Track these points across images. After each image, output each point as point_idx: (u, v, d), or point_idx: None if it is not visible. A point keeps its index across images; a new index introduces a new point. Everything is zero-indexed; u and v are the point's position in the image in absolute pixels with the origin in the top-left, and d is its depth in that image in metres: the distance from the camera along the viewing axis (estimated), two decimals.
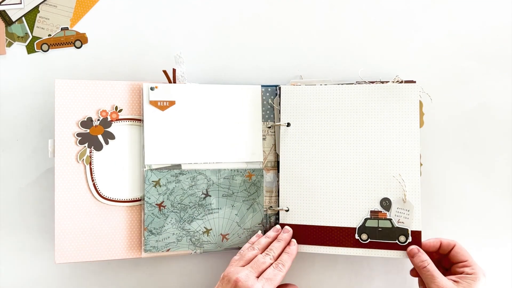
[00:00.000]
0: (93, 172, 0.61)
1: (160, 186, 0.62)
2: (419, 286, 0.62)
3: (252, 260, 0.57)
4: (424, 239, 0.62)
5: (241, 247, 0.61)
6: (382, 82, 0.63)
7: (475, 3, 0.67)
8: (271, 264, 0.57)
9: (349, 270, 0.67)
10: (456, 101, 0.67)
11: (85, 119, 0.61)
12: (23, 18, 0.67)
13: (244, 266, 0.56)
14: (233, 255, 0.59)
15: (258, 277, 0.54)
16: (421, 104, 0.63)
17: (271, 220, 0.65)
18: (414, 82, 0.62)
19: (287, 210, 0.63)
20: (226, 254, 0.66)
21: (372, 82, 0.64)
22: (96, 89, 0.62)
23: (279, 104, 0.65)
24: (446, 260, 0.61)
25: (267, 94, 0.66)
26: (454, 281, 0.57)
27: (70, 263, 0.61)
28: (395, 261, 0.66)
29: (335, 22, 0.68)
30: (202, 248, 0.63)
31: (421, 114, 0.63)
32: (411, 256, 0.59)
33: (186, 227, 0.63)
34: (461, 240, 0.61)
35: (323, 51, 0.68)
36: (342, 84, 0.64)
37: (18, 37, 0.67)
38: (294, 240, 0.61)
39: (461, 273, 0.58)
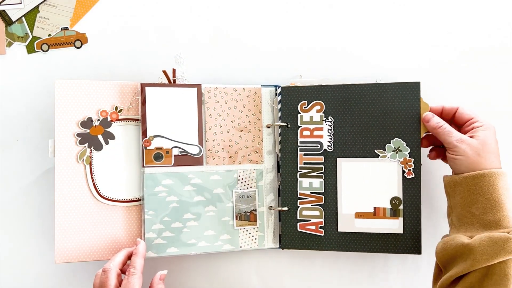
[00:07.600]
0: (93, 172, 0.61)
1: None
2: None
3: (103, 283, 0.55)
4: (424, 238, 0.62)
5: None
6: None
7: (476, 3, 0.68)
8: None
9: (350, 269, 0.67)
10: (456, 101, 0.67)
11: (85, 119, 0.61)
12: (23, 18, 0.67)
13: None
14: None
15: None
16: (426, 106, 0.62)
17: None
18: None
19: (288, 209, 0.64)
20: (226, 254, 0.66)
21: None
22: (96, 89, 0.62)
23: (278, 104, 0.65)
24: (453, 126, 0.60)
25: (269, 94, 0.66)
26: (470, 136, 0.57)
27: (70, 263, 0.61)
28: (396, 260, 0.66)
29: (334, 22, 0.68)
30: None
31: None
32: (426, 121, 0.60)
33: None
34: None
35: (323, 51, 0.68)
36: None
37: (18, 37, 0.67)
38: (139, 239, 0.60)
39: (472, 129, 0.58)
